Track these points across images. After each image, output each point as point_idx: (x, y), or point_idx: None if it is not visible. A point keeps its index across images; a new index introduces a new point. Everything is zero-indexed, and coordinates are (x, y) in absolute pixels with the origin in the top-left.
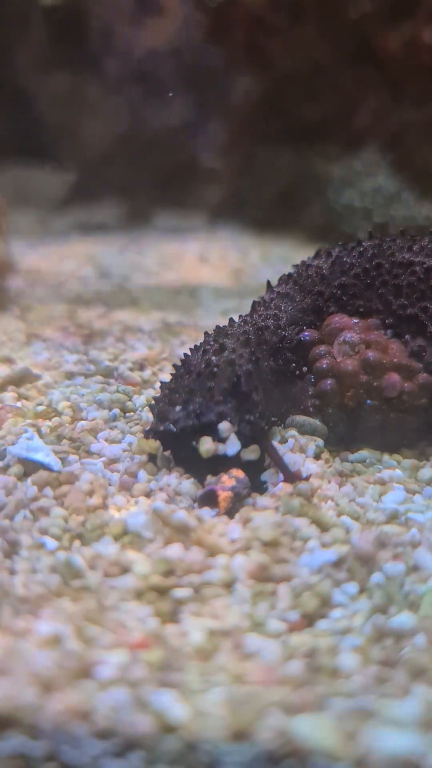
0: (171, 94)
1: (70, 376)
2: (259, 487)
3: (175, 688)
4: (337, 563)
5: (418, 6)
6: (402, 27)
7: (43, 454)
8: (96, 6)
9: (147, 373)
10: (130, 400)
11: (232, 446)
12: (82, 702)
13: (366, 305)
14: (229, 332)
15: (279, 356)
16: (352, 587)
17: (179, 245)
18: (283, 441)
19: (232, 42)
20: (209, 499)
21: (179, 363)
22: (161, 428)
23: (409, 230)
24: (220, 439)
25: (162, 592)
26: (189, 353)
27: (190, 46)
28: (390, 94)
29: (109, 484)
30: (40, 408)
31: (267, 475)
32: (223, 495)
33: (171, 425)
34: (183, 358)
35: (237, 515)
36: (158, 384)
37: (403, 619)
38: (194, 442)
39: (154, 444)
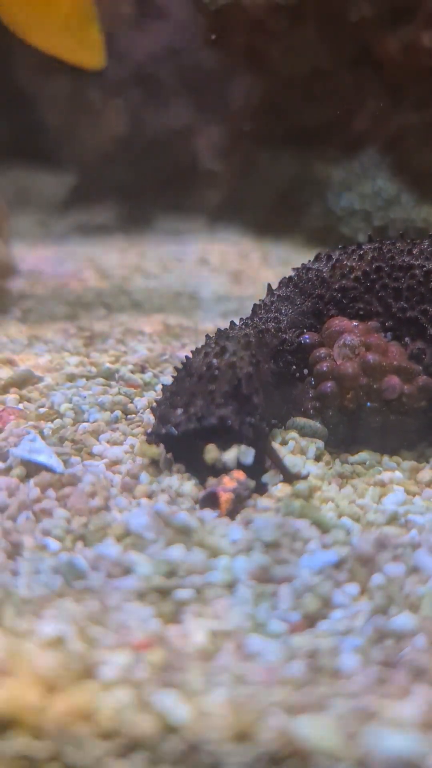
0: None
1: (71, 378)
2: (261, 489)
3: (177, 689)
4: (338, 564)
5: (418, 10)
6: (401, 31)
7: (46, 455)
8: (97, 9)
9: (148, 375)
10: (131, 402)
11: (246, 457)
12: (86, 703)
13: (366, 308)
14: (230, 335)
15: (279, 359)
16: (353, 588)
17: (179, 247)
18: (284, 443)
19: (232, 45)
20: (211, 500)
21: (180, 365)
22: (163, 431)
23: (408, 232)
24: (225, 446)
25: (164, 593)
26: (190, 356)
27: (190, 49)
28: (389, 97)
29: (111, 486)
30: (42, 410)
31: (268, 477)
32: (225, 497)
33: (172, 428)
34: (184, 360)
35: (238, 516)
36: (159, 386)
37: (403, 620)
38: (198, 444)
39: (156, 450)
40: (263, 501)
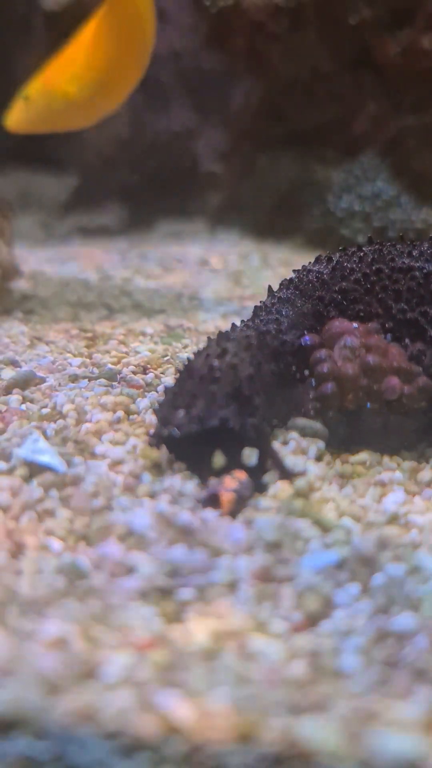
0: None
1: (74, 378)
2: (261, 489)
3: (180, 689)
4: (339, 564)
5: (417, 13)
6: (401, 34)
7: (49, 456)
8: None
9: (150, 376)
10: (133, 402)
11: (250, 458)
12: (89, 703)
13: (366, 310)
14: (232, 337)
15: (280, 360)
16: (354, 588)
17: (180, 249)
18: (285, 443)
19: (233, 48)
20: (212, 500)
21: (182, 366)
22: (165, 433)
23: (407, 234)
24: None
25: (166, 592)
26: (192, 357)
27: (190, 51)
28: (389, 100)
29: (114, 486)
30: (45, 410)
31: (269, 477)
32: (226, 497)
33: (175, 429)
34: (186, 362)
35: (240, 516)
36: (161, 387)
37: (404, 619)
38: (200, 445)
39: (157, 453)
40: (265, 501)
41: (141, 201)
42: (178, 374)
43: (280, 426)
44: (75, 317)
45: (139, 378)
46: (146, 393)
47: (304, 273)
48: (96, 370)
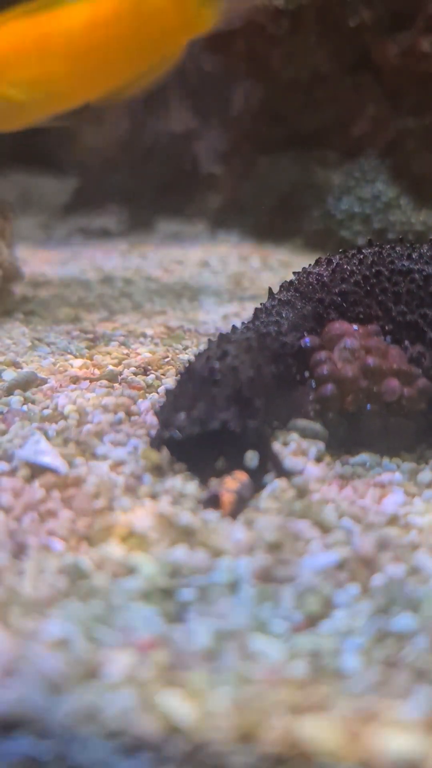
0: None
1: (75, 380)
2: (263, 490)
3: (182, 689)
4: (339, 565)
5: (417, 15)
6: (400, 36)
7: (50, 457)
8: None
9: (151, 378)
10: (134, 404)
11: (252, 461)
12: (91, 703)
13: (366, 312)
14: (232, 339)
15: (280, 362)
16: (354, 588)
17: (181, 251)
18: (285, 444)
19: (233, 50)
20: (213, 501)
21: (183, 368)
22: (166, 435)
23: (406, 236)
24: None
25: (168, 593)
26: (193, 359)
27: (191, 53)
28: (388, 102)
29: (115, 487)
30: (47, 412)
31: (269, 478)
32: (227, 497)
33: (176, 432)
34: (187, 364)
35: (241, 517)
36: (162, 388)
37: (404, 620)
38: (201, 447)
39: (157, 455)
40: (265, 502)
41: (141, 203)
42: (179, 376)
43: (281, 427)
44: (76, 318)
45: (140, 379)
46: (147, 394)
47: (304, 275)
48: (97, 372)
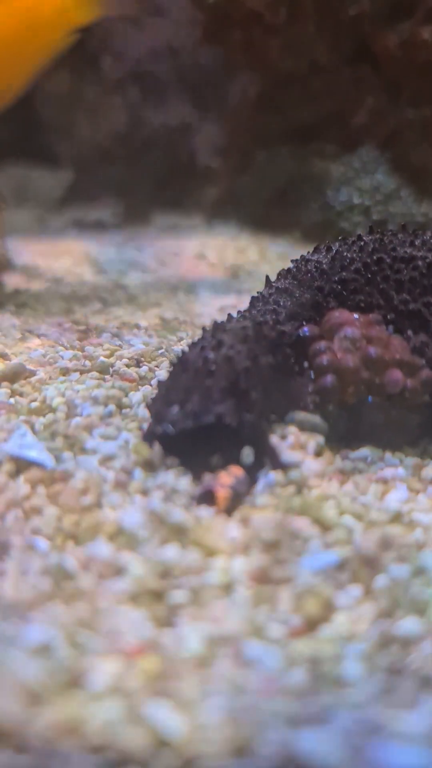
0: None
1: (65, 372)
2: (259, 486)
3: (171, 699)
4: (340, 565)
5: (417, 5)
6: (400, 26)
7: (36, 451)
8: None
9: (144, 369)
10: (126, 396)
11: (248, 457)
12: (73, 715)
13: (367, 300)
14: (227, 328)
15: (278, 352)
16: (356, 590)
17: (177, 243)
18: (283, 438)
19: (230, 41)
20: (207, 497)
21: (175, 359)
22: (159, 430)
23: (408, 226)
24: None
25: (158, 595)
26: (186, 349)
27: (188, 45)
28: (388, 93)
29: (104, 482)
30: (34, 404)
31: (266, 472)
32: (222, 493)
33: (169, 426)
34: (180, 354)
35: (236, 514)
36: (155, 380)
37: (409, 624)
38: (195, 442)
39: (148, 451)
40: (262, 498)
41: (137, 195)
42: (172, 367)
43: (278, 420)
44: (68, 310)
45: (132, 371)
46: (140, 386)
47: (303, 263)
48: (88, 363)
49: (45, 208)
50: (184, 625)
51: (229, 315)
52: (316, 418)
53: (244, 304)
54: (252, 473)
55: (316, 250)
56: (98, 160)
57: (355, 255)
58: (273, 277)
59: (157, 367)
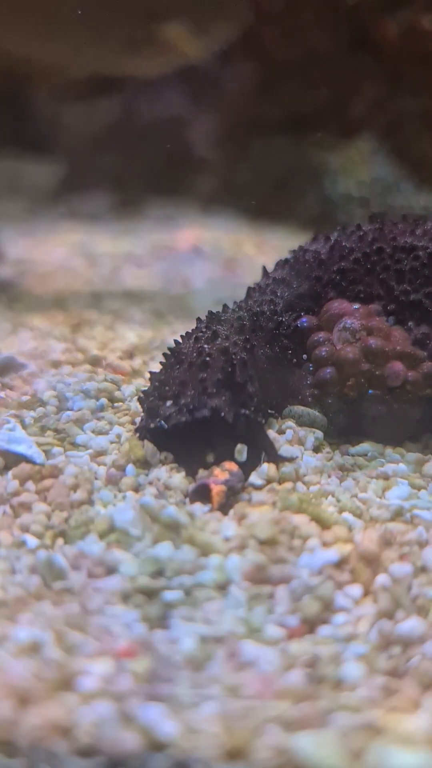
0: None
1: (56, 364)
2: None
3: (164, 702)
4: (340, 564)
5: None
6: (400, 14)
7: (26, 446)
8: None
9: (137, 362)
10: (118, 389)
11: (241, 455)
12: (63, 716)
13: (366, 291)
14: (223, 318)
15: (275, 343)
16: (356, 590)
17: (172, 235)
18: (281, 433)
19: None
20: (201, 493)
21: (169, 351)
22: (152, 426)
23: (409, 216)
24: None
25: (150, 594)
26: (180, 340)
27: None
28: (387, 82)
29: (95, 478)
30: (25, 398)
31: (262, 469)
32: (216, 489)
33: (162, 422)
34: (174, 345)
35: (231, 511)
36: (148, 374)
37: (411, 624)
38: (190, 437)
39: (142, 452)
40: (258, 494)
41: (132, 187)
42: (165, 359)
43: (276, 414)
44: (61, 303)
45: (125, 364)
46: (132, 379)
47: (301, 252)
48: (80, 356)
49: (38, 199)
50: (177, 626)
51: (225, 305)
52: (314, 412)
53: (239, 296)
54: (247, 469)
55: (314, 239)
56: (92, 150)
57: (354, 245)
58: (270, 268)
59: (151, 359)
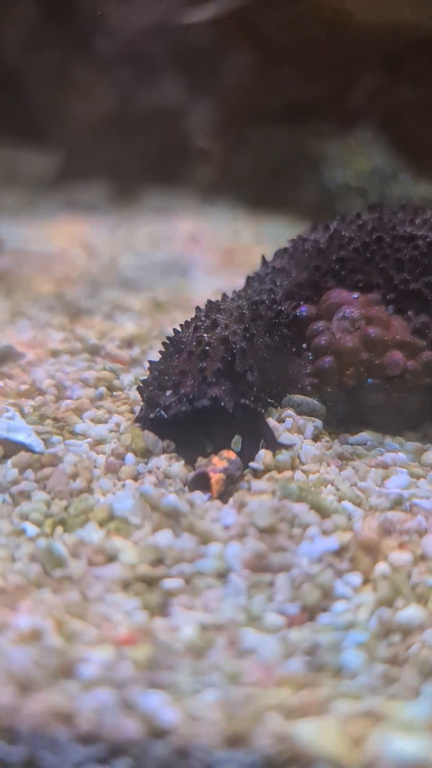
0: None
1: (55, 353)
2: (254, 471)
3: (164, 689)
4: (339, 552)
5: None
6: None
7: (25, 434)
8: None
9: (136, 351)
10: (117, 378)
11: (237, 445)
12: (64, 703)
13: (366, 280)
14: (222, 307)
15: (275, 332)
16: (356, 578)
17: (170, 225)
18: (281, 422)
19: (225, 18)
20: (201, 482)
21: (168, 340)
22: (152, 416)
23: (408, 205)
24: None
25: (150, 582)
26: (179, 329)
27: (181, 23)
28: (386, 72)
29: (95, 467)
30: (24, 387)
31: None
32: (216, 477)
33: (162, 412)
34: (173, 335)
35: (231, 499)
36: (147, 363)
37: (411, 612)
38: (190, 426)
39: (143, 444)
40: (258, 483)
41: (130, 177)
42: (164, 348)
43: (275, 404)
44: (59, 293)
45: (124, 353)
46: (131, 368)
47: (300, 242)
48: (79, 345)
49: (35, 189)
50: (177, 614)
51: (224, 295)
52: (314, 401)
53: (238, 287)
54: (246, 458)
55: (313, 228)
56: (90, 140)
57: (353, 234)
58: (269, 258)
59: (150, 349)
